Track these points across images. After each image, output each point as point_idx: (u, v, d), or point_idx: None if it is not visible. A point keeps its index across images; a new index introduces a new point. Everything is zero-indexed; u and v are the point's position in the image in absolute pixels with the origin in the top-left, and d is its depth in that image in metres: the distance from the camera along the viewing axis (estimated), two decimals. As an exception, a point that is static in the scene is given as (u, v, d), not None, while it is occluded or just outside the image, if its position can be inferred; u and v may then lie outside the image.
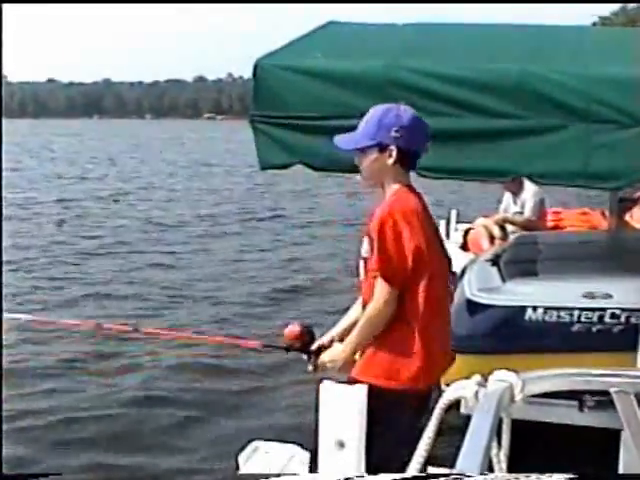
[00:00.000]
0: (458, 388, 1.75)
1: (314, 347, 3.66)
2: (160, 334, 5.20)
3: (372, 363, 3.39)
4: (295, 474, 4.33)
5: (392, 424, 3.35)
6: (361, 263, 3.46)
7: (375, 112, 3.39)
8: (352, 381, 3.39)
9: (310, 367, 3.66)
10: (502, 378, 1.76)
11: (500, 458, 1.73)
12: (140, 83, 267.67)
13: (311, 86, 4.28)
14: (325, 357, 3.56)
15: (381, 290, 3.27)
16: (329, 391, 3.74)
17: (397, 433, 3.33)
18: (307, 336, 3.70)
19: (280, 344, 3.83)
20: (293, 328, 3.73)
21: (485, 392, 1.70)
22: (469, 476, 1.32)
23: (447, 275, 3.59)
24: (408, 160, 3.41)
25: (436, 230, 3.57)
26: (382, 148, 3.35)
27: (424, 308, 3.29)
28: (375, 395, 3.23)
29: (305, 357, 3.67)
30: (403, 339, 3.31)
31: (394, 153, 3.34)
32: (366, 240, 3.38)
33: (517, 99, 4.00)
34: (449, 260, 3.57)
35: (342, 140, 3.47)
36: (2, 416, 5.75)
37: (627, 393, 1.92)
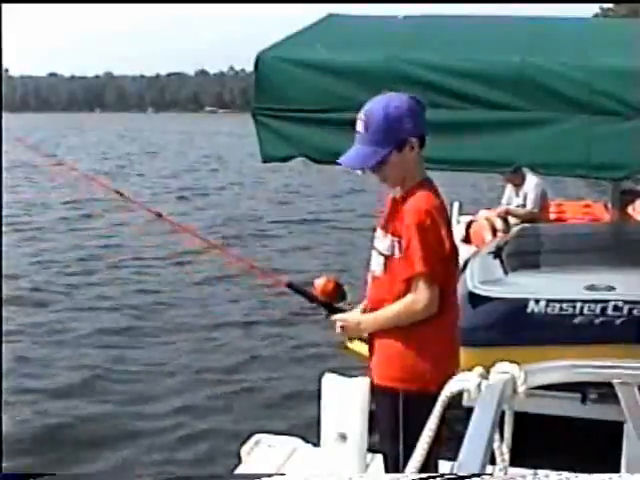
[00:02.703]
0: (460, 380, 1.75)
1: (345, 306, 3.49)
2: (181, 228, 4.64)
3: (401, 366, 3.21)
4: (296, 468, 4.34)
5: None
6: (379, 259, 3.25)
7: (375, 113, 3.10)
8: (382, 388, 3.27)
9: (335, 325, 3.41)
10: (504, 370, 1.75)
11: (502, 450, 1.72)
12: (142, 77, 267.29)
13: (313, 79, 4.27)
14: (340, 319, 3.37)
15: (427, 289, 3.08)
16: (331, 384, 3.75)
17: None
18: (338, 294, 3.52)
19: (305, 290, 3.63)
20: (327, 282, 3.52)
21: (487, 384, 1.70)
22: (463, 477, 1.31)
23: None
24: (424, 144, 3.19)
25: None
26: (400, 146, 3.10)
27: (448, 307, 3.21)
28: (410, 400, 3.12)
29: (325, 313, 3.49)
30: (430, 340, 3.18)
31: (416, 144, 3.13)
32: (389, 237, 3.17)
33: (519, 91, 3.99)
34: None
35: (353, 159, 3.17)
36: (2, 416, 5.75)
37: (630, 385, 1.92)
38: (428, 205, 3.10)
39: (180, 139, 60.50)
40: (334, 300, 3.50)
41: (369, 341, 3.37)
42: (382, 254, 3.23)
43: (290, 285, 3.69)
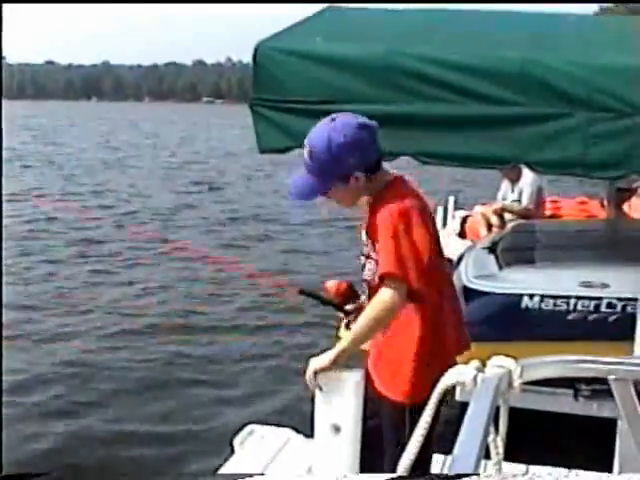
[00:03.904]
0: (456, 373, 1.75)
1: (352, 307, 3.46)
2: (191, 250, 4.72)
3: (404, 378, 3.16)
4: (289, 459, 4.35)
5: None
6: (371, 265, 3.16)
7: (318, 147, 3.00)
8: (386, 397, 3.24)
9: (342, 328, 3.40)
10: (501, 364, 1.76)
11: (497, 444, 1.72)
12: (139, 66, 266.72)
13: (311, 70, 4.25)
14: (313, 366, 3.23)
15: (391, 289, 2.97)
16: (325, 375, 3.74)
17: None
18: (351, 295, 3.49)
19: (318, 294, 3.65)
20: (340, 283, 3.51)
21: (484, 377, 1.70)
22: (451, 477, 1.32)
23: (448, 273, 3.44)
24: (376, 169, 3.09)
25: (434, 224, 3.27)
26: (343, 179, 3.03)
27: (440, 310, 3.14)
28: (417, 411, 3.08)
29: (342, 315, 3.49)
30: (427, 347, 3.12)
31: (361, 179, 3.03)
32: (370, 242, 3.12)
33: (519, 87, 3.98)
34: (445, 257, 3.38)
35: (298, 190, 3.11)
36: (2, 417, 5.75)
37: (626, 381, 1.92)
38: (398, 207, 2.99)
39: (190, 130, 60.71)
40: (348, 301, 3.48)
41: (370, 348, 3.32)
42: (373, 259, 3.14)
43: (302, 292, 3.73)
